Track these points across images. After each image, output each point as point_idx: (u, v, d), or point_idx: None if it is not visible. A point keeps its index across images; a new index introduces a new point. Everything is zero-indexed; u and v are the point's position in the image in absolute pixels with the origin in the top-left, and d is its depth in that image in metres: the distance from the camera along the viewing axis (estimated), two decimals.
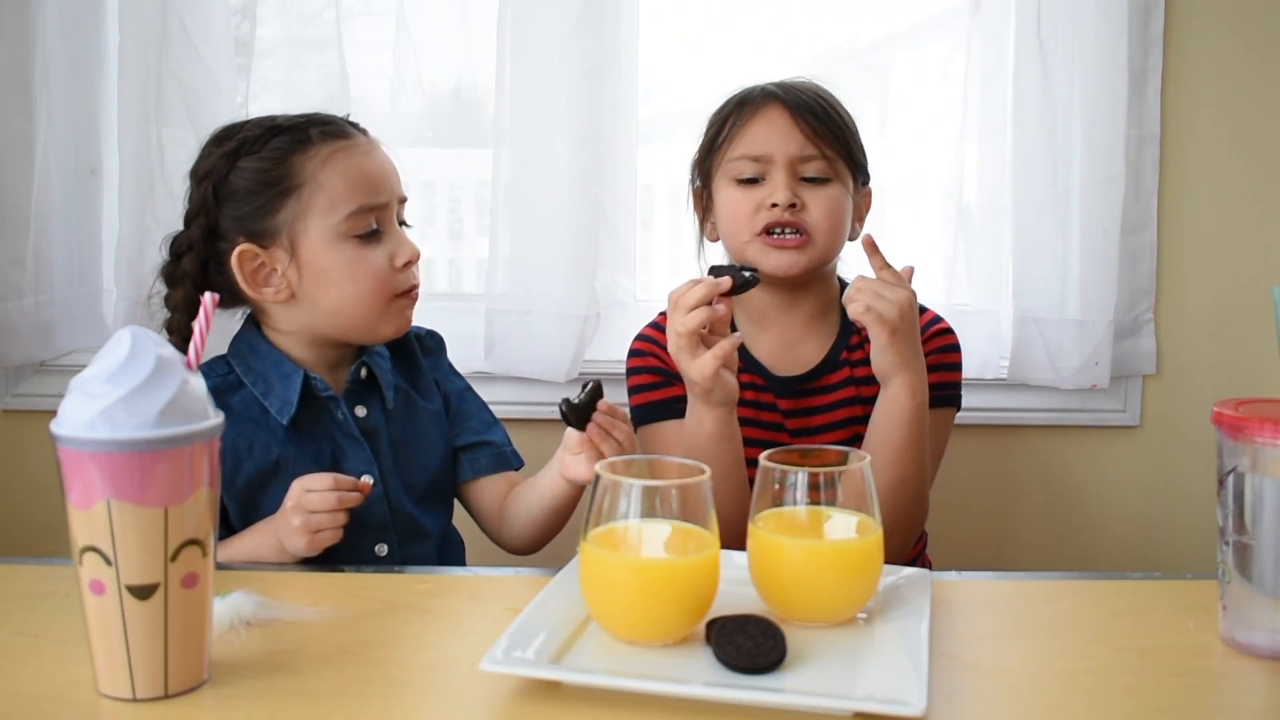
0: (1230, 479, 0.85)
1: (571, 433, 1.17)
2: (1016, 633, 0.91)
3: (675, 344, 1.20)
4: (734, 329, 1.39)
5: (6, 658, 0.84)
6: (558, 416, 1.74)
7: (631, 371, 1.42)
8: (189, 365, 0.79)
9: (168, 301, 1.25)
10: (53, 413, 0.75)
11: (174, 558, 0.75)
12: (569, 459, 1.19)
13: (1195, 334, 1.78)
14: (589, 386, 1.13)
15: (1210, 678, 0.83)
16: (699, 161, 1.42)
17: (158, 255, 1.64)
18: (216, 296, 0.85)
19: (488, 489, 1.35)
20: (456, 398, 1.37)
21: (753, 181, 1.34)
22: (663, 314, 1.48)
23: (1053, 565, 1.80)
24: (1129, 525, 1.81)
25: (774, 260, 1.33)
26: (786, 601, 0.89)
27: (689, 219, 1.48)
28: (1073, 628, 0.91)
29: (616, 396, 1.45)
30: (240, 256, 1.20)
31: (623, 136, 1.72)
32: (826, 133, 1.33)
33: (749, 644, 0.80)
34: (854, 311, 1.23)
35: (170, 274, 1.25)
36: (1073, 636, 0.89)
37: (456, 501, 1.38)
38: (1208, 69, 1.73)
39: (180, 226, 1.27)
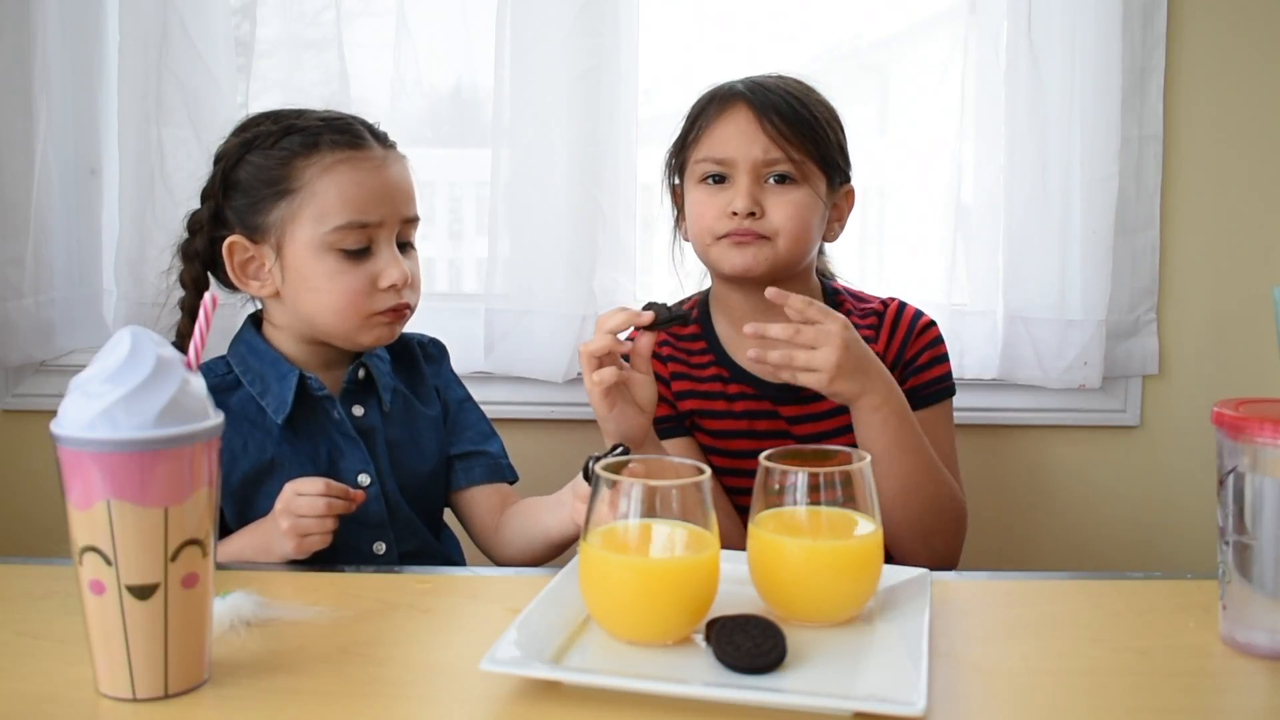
0: (1230, 479, 0.85)
1: (584, 483, 1.15)
2: (1016, 633, 0.91)
3: (581, 361, 1.18)
4: (715, 341, 1.40)
5: (6, 658, 0.84)
6: (555, 417, 1.76)
7: None
8: (189, 365, 0.79)
9: (182, 279, 1.27)
10: (53, 413, 0.75)
11: (174, 558, 0.75)
12: (580, 507, 1.14)
13: (1195, 334, 1.78)
14: (618, 451, 1.10)
15: (1210, 678, 0.83)
16: (671, 159, 1.41)
17: (158, 255, 1.64)
18: (217, 297, 0.85)
19: (480, 500, 1.33)
20: (455, 407, 1.36)
21: (719, 182, 1.33)
22: None
23: (1053, 565, 1.80)
24: (1129, 525, 1.81)
25: (734, 259, 1.31)
26: (786, 601, 0.89)
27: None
28: (1073, 628, 0.91)
29: None
30: (231, 247, 1.22)
31: (622, 136, 1.72)
32: (793, 134, 1.30)
33: (749, 644, 0.80)
34: (773, 375, 1.20)
35: (185, 250, 1.27)
36: (1073, 636, 0.89)
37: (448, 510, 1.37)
38: (1210, 69, 1.73)
39: (181, 224, 1.28)
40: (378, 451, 1.26)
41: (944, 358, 1.40)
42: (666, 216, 1.49)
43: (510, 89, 1.69)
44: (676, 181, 1.42)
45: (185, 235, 1.28)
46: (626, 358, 1.20)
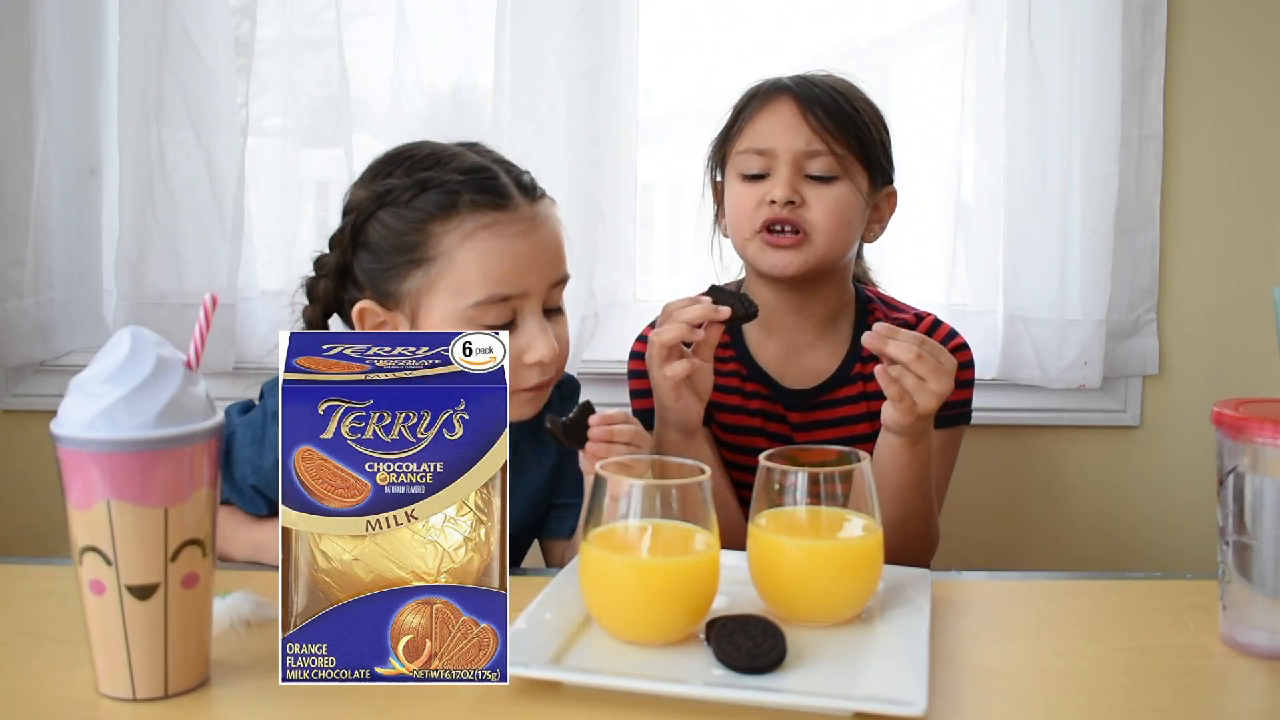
0: (1230, 479, 0.85)
1: (581, 458, 1.10)
2: (1016, 633, 0.91)
3: (652, 351, 1.17)
4: (739, 337, 1.38)
5: (6, 658, 0.84)
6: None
7: (634, 375, 1.40)
8: (189, 365, 0.79)
9: (305, 315, 1.19)
10: (53, 413, 0.75)
11: (174, 558, 0.75)
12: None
13: (1195, 334, 1.78)
14: (579, 404, 1.07)
15: (1210, 678, 0.83)
16: (713, 153, 1.40)
17: (158, 255, 1.64)
18: (217, 298, 0.84)
19: (568, 551, 1.24)
20: (567, 453, 1.21)
21: (759, 177, 1.31)
22: None
23: (1053, 565, 1.80)
24: (1129, 525, 1.81)
25: (771, 259, 1.29)
26: (786, 601, 0.89)
27: (689, 218, 1.46)
28: (1072, 628, 0.91)
29: (618, 396, 1.45)
30: (361, 313, 1.13)
31: (622, 136, 1.72)
32: (836, 128, 1.28)
33: (749, 644, 0.80)
34: (889, 392, 1.12)
35: (310, 289, 1.19)
36: (1072, 636, 0.89)
37: None
38: (1210, 69, 1.73)
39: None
40: None
41: (967, 384, 1.36)
42: (667, 217, 1.49)
43: (510, 89, 1.69)
44: (718, 177, 1.40)
45: (312, 274, 1.18)
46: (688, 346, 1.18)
